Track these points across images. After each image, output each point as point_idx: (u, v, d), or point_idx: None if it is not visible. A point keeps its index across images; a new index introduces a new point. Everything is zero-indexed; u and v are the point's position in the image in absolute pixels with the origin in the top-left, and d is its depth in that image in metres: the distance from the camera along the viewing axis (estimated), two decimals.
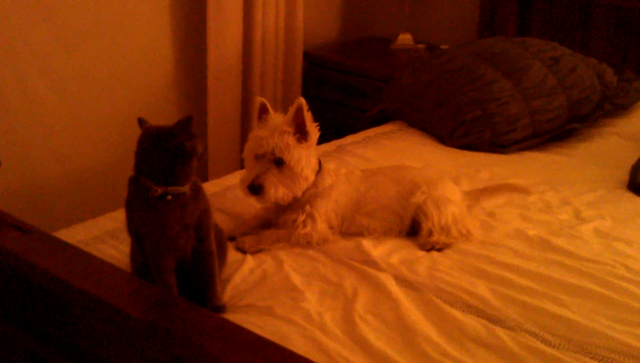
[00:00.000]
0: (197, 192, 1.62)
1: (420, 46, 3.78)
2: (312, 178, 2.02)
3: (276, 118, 1.99)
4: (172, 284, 1.60)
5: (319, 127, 2.02)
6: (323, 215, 2.03)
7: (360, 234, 2.07)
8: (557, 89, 2.93)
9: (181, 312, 1.38)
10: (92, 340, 1.45)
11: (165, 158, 1.53)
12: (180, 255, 1.62)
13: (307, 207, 2.03)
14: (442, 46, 3.65)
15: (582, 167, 2.70)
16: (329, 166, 2.13)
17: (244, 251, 1.97)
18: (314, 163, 2.04)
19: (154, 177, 1.54)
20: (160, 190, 1.54)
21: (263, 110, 2.00)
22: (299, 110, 1.96)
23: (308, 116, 1.98)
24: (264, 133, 1.96)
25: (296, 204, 2.04)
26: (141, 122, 1.59)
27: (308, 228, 2.00)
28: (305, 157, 1.98)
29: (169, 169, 1.54)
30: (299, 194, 2.02)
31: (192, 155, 1.55)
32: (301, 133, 1.97)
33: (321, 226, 2.02)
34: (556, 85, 2.94)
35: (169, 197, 1.54)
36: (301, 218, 2.02)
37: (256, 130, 2.00)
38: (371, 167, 2.34)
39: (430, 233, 2.04)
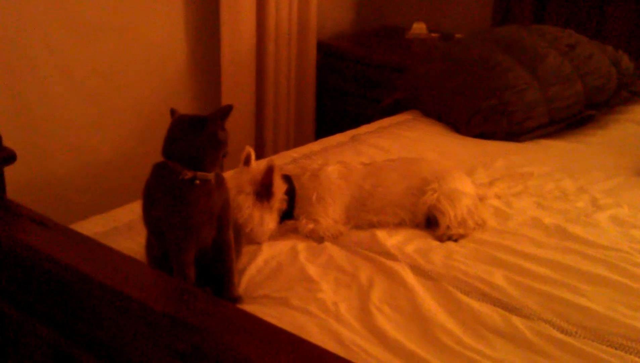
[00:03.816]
0: (221, 182, 1.64)
1: (434, 35, 3.77)
2: (267, 235, 1.98)
3: (247, 174, 1.98)
4: (192, 276, 1.61)
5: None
6: (323, 215, 2.02)
7: (372, 227, 2.05)
8: (574, 76, 2.91)
9: (200, 304, 1.39)
10: (111, 332, 1.46)
11: (199, 142, 1.55)
12: (201, 247, 1.63)
13: (302, 217, 2.02)
14: (457, 35, 3.64)
15: (599, 154, 2.68)
16: (303, 180, 2.06)
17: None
18: (270, 223, 1.98)
19: (184, 161, 1.56)
20: (189, 174, 1.56)
21: (247, 161, 2.00)
22: (269, 171, 1.95)
23: (277, 178, 1.97)
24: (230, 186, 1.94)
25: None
26: (173, 112, 1.62)
27: (311, 226, 2.00)
28: (259, 217, 1.95)
29: (201, 154, 1.56)
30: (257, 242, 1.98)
31: (222, 144, 1.58)
32: (267, 193, 1.96)
33: (326, 222, 2.01)
34: (572, 72, 2.91)
35: (197, 181, 1.56)
36: (303, 221, 2.02)
37: (229, 181, 1.97)
38: (381, 158, 2.33)
39: (448, 228, 2.02)
